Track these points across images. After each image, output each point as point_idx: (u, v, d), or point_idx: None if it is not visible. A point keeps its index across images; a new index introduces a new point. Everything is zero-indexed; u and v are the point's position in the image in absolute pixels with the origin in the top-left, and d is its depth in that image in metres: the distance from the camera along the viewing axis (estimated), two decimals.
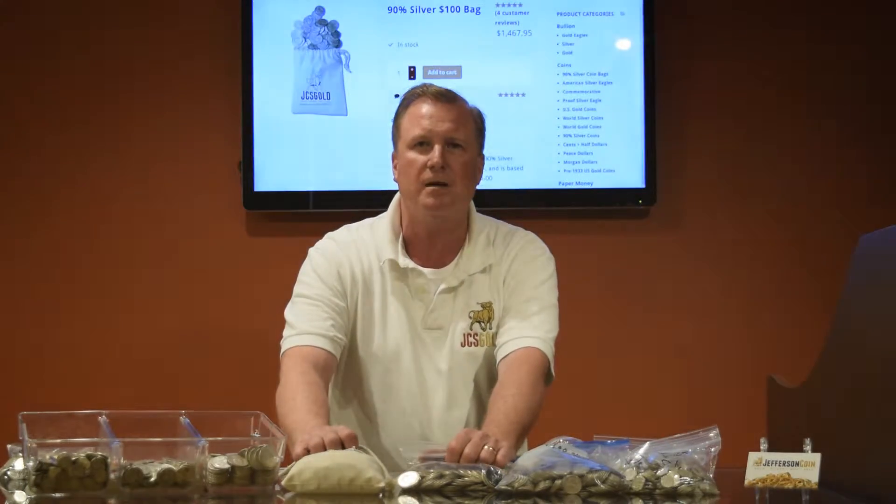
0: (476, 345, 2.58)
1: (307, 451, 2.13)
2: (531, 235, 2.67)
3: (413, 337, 2.58)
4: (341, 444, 2.15)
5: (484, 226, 2.64)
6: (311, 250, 2.66)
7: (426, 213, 2.53)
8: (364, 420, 2.61)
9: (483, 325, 2.58)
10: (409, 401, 2.58)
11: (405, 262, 2.57)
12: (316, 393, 2.41)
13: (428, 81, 2.61)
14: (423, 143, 2.51)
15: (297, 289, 2.61)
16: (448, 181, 2.50)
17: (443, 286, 2.57)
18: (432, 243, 2.59)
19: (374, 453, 2.16)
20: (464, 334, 2.58)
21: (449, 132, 2.50)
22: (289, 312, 2.58)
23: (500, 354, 2.54)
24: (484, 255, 2.60)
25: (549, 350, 2.54)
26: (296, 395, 2.39)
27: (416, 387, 2.58)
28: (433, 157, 2.48)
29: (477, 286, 2.59)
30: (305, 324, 2.53)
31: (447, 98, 2.53)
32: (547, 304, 2.59)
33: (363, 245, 2.61)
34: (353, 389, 2.63)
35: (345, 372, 2.63)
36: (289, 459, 2.09)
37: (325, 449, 2.13)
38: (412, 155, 2.51)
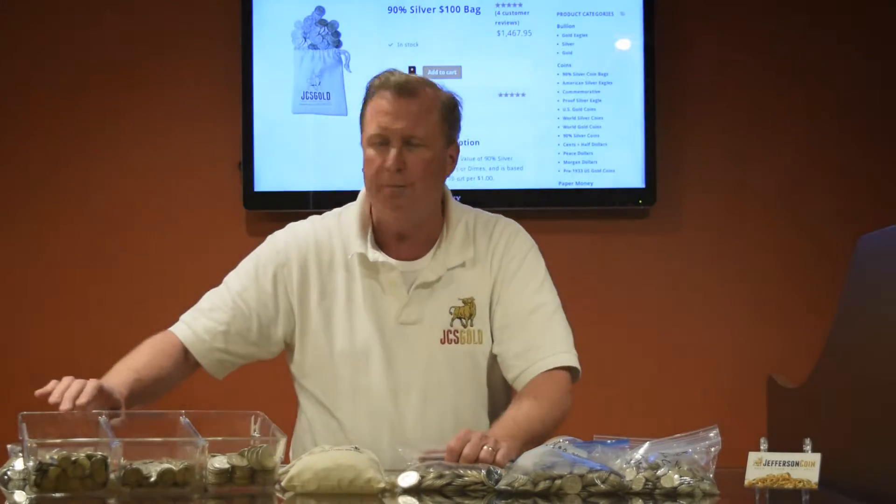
0: (457, 342, 2.46)
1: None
2: (513, 225, 2.55)
3: (384, 335, 2.45)
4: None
5: (461, 216, 2.51)
6: (270, 237, 2.58)
7: (386, 214, 2.45)
8: (332, 423, 2.49)
9: (464, 321, 2.46)
10: (379, 402, 2.45)
11: (375, 255, 2.44)
12: (150, 358, 2.45)
13: (393, 69, 2.49)
14: (380, 143, 2.40)
15: (232, 273, 2.56)
16: (406, 183, 2.38)
17: (419, 281, 2.46)
18: (402, 237, 2.48)
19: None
20: (443, 331, 2.46)
21: (406, 130, 2.37)
22: (207, 295, 2.54)
23: (521, 381, 2.42)
24: (463, 248, 2.48)
25: (573, 360, 2.44)
26: (134, 353, 2.47)
27: (385, 388, 2.45)
28: (389, 160, 2.37)
29: (458, 281, 2.47)
30: (201, 318, 2.51)
31: (407, 91, 2.39)
32: (552, 309, 2.49)
33: (326, 240, 2.52)
34: (322, 391, 2.49)
35: (310, 374, 2.51)
36: (288, 458, 2.08)
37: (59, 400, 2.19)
38: (371, 152, 2.41)
